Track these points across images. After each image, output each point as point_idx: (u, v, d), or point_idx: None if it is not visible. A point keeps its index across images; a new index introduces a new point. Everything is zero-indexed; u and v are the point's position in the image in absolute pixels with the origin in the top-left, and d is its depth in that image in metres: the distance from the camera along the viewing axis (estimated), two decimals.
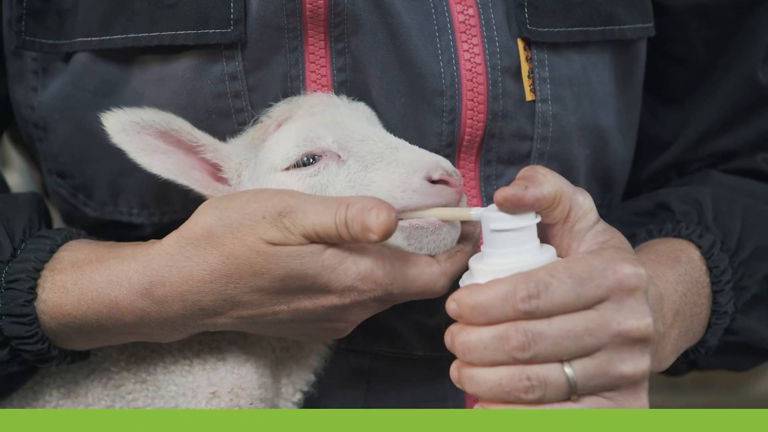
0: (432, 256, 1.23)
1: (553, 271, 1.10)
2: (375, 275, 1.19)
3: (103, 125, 1.26)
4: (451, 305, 1.12)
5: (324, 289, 1.19)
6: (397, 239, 1.22)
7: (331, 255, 1.18)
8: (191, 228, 1.21)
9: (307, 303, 1.21)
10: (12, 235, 1.29)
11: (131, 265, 1.23)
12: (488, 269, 1.15)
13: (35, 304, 1.25)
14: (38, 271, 1.26)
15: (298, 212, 1.17)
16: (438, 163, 1.22)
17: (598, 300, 1.11)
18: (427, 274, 1.21)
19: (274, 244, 1.17)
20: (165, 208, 1.42)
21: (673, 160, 1.58)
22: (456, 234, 1.24)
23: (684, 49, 1.54)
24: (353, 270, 1.18)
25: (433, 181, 1.22)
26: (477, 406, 1.15)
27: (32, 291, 1.25)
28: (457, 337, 1.13)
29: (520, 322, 1.09)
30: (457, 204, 1.23)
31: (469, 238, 1.28)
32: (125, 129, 1.26)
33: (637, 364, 1.12)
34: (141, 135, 1.26)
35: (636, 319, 1.11)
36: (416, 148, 1.26)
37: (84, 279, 1.24)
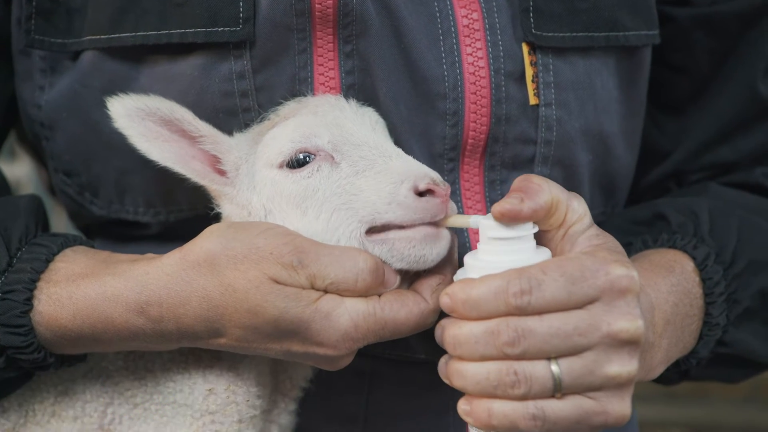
0: (417, 292, 1.22)
1: (546, 269, 1.11)
2: (368, 321, 1.18)
3: (110, 116, 1.27)
4: (444, 299, 1.14)
5: (317, 340, 1.18)
6: (379, 251, 1.22)
7: (326, 300, 1.18)
8: (194, 251, 1.20)
9: (298, 347, 1.20)
10: (8, 243, 1.28)
11: (127, 283, 1.22)
12: (482, 266, 1.16)
13: (31, 315, 1.24)
14: (34, 282, 1.25)
15: (309, 254, 1.17)
16: (426, 173, 1.22)
17: (589, 300, 1.12)
18: (416, 314, 1.20)
19: (277, 282, 1.17)
20: (171, 207, 1.42)
21: (673, 170, 1.59)
22: (442, 247, 1.23)
23: (687, 59, 1.55)
24: (345, 318, 1.18)
25: (420, 193, 1.21)
26: (461, 401, 1.15)
27: (28, 302, 1.24)
28: (447, 331, 1.14)
29: (511, 317, 1.10)
30: (442, 216, 1.23)
31: (449, 263, 1.26)
32: (129, 114, 1.27)
33: (624, 366, 1.12)
34: (145, 121, 1.27)
35: (626, 320, 1.12)
36: (411, 159, 1.26)
37: (79, 294, 1.23)
